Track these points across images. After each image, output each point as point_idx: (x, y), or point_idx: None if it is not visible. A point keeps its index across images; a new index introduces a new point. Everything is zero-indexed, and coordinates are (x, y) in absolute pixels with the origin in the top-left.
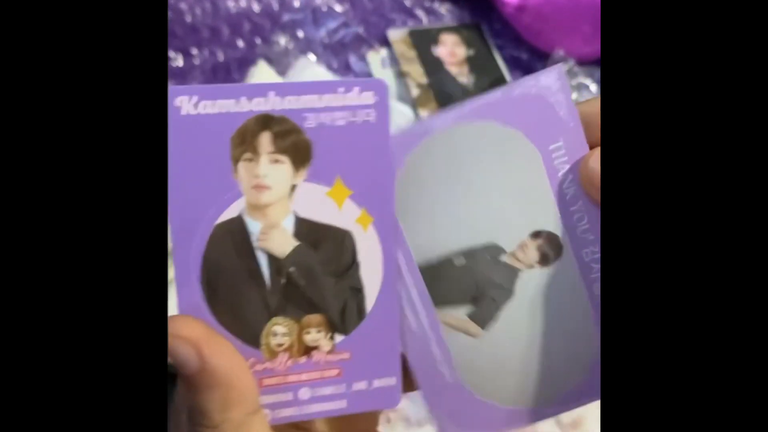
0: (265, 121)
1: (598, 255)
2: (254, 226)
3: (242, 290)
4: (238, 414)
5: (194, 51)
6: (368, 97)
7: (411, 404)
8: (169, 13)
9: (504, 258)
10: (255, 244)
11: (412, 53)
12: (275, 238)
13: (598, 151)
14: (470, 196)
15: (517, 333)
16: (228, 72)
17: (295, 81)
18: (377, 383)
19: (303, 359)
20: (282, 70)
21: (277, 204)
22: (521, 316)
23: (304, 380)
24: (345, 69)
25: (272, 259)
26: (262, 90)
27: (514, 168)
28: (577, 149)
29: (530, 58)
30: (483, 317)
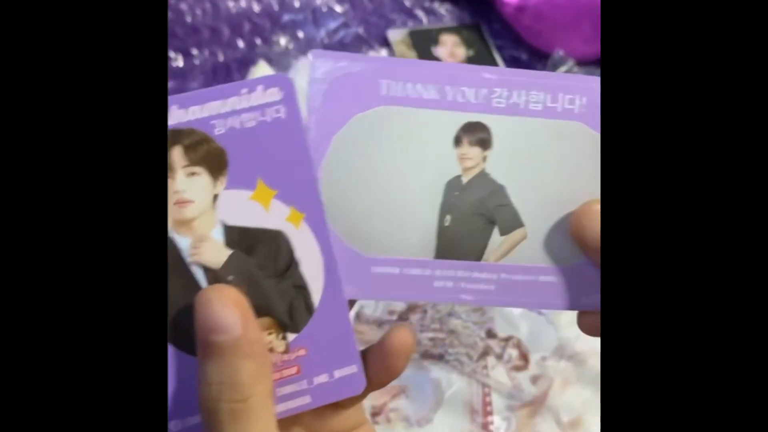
0: (173, 136)
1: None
2: (183, 241)
3: (185, 308)
4: (263, 388)
5: (194, 51)
6: (274, 94)
7: (411, 404)
8: (170, 14)
9: (464, 178)
10: (188, 260)
11: (412, 54)
12: (207, 251)
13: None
14: (395, 163)
15: (538, 200)
16: (228, 72)
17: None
18: (338, 373)
19: None
20: (282, 71)
21: (202, 216)
22: (528, 189)
23: None
24: None
25: (208, 271)
26: None
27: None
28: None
29: (530, 59)
30: (513, 220)
